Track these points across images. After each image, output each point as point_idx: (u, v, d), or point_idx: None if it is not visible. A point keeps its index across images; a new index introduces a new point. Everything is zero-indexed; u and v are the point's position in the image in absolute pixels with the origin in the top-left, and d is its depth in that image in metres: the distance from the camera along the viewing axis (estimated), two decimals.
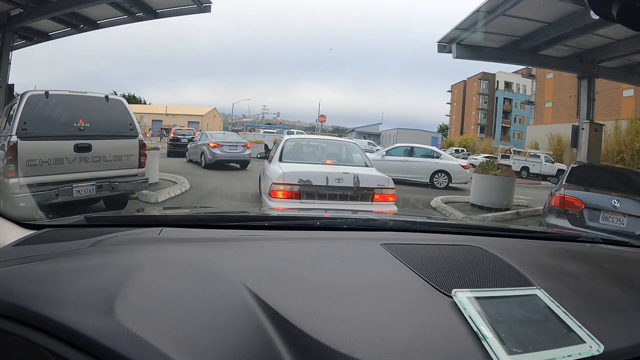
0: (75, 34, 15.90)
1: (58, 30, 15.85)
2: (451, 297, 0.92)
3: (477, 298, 0.91)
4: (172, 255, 1.07)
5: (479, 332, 0.80)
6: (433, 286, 0.99)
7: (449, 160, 16.43)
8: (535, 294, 0.97)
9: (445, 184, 15.61)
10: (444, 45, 14.53)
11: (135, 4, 13.79)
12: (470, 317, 0.84)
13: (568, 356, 0.79)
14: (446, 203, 11.30)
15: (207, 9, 14.07)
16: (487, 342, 0.77)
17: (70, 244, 1.17)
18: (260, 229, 1.43)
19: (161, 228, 1.30)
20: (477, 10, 11.97)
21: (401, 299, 0.95)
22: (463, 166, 16.31)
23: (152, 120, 64.50)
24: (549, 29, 12.57)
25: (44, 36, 16.16)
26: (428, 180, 15.44)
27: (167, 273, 0.96)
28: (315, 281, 0.99)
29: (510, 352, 0.75)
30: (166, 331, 0.72)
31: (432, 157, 16.28)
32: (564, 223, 6.37)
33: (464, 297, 0.90)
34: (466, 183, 16.00)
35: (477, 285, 1.00)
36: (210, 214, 1.84)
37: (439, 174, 15.71)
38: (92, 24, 15.26)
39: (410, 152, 16.50)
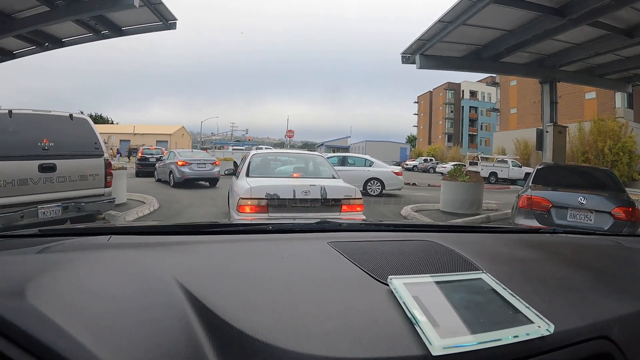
0: (40, 52, 15.45)
1: (23, 49, 15.42)
2: (387, 285, 0.91)
3: (415, 284, 0.89)
4: (111, 256, 1.07)
5: (412, 317, 0.79)
6: (371, 276, 0.99)
7: (381, 167, 16.62)
8: (480, 278, 0.96)
9: (379, 191, 15.84)
10: (408, 57, 14.65)
11: (100, 22, 13.48)
12: (404, 302, 0.83)
13: (514, 337, 0.78)
14: (416, 211, 11.36)
15: (172, 26, 13.85)
16: (419, 326, 0.76)
17: (19, 250, 1.16)
18: (211, 234, 1.41)
19: (110, 235, 1.28)
20: (439, 21, 12.12)
21: (334, 288, 0.95)
22: (396, 173, 16.57)
23: (120, 140, 63.48)
24: (510, 37, 12.83)
25: (9, 55, 15.68)
26: (362, 188, 15.27)
27: (100, 270, 0.95)
28: (247, 274, 0.99)
29: (444, 336, 0.74)
30: (80, 317, 0.71)
31: (365, 165, 16.59)
32: (532, 223, 6.43)
33: (399, 283, 0.89)
34: (399, 189, 16.36)
35: (422, 274, 0.98)
36: (163, 224, 1.82)
37: (372, 182, 15.95)
38: (58, 42, 14.87)
39: (343, 161, 16.75)
